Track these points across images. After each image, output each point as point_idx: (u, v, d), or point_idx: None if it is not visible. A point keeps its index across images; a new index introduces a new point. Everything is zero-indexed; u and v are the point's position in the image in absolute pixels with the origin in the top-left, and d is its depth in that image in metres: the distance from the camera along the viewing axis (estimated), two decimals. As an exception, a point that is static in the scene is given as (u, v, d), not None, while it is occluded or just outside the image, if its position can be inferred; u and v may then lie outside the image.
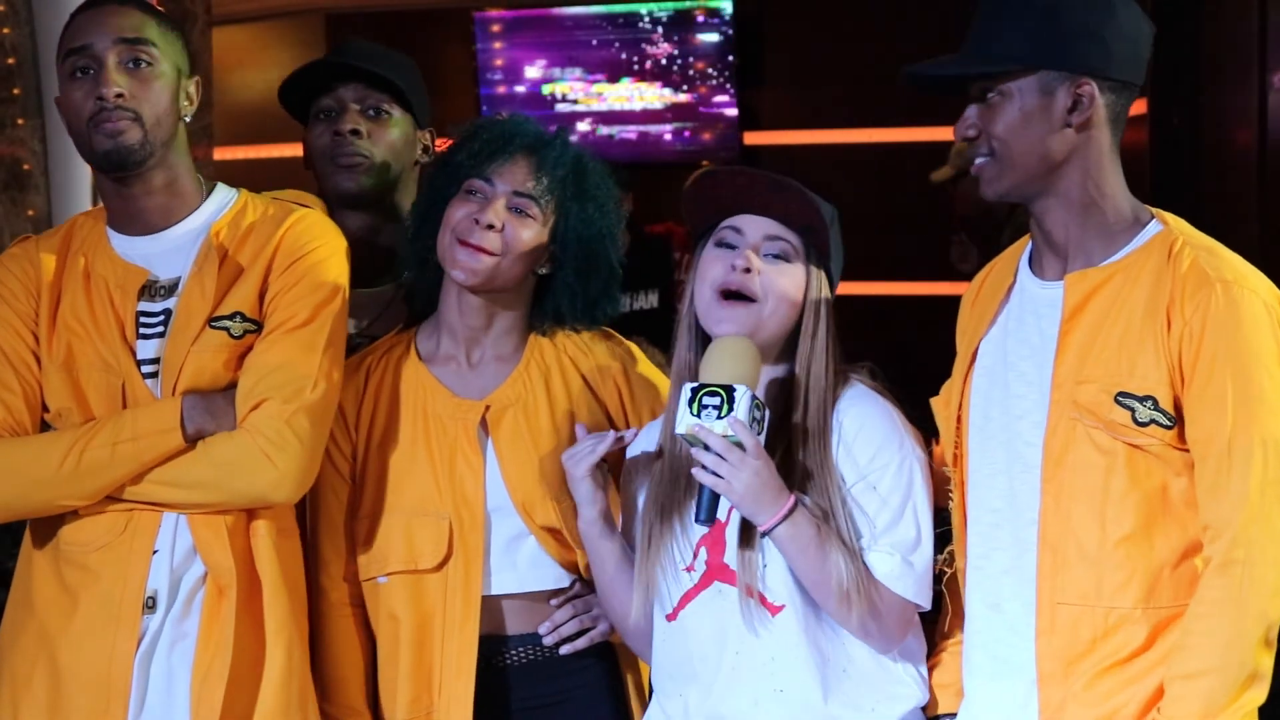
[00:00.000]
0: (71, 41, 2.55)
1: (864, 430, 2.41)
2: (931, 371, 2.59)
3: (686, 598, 2.47)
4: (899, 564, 2.38)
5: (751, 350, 2.39)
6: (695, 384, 2.36)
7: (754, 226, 2.46)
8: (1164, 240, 2.27)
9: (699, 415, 2.33)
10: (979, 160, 2.29)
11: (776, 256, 2.45)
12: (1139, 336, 2.22)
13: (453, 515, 2.60)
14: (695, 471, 2.35)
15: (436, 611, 2.60)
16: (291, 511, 2.61)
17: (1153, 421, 2.21)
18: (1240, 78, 6.27)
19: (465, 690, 2.57)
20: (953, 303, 2.54)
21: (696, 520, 2.37)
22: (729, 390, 2.33)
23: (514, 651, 2.66)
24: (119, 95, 2.51)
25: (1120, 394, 2.22)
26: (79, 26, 2.56)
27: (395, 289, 2.93)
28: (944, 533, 2.41)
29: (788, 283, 2.44)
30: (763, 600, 2.41)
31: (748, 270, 2.43)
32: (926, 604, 2.42)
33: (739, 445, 2.32)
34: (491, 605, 2.62)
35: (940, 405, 2.46)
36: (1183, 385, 2.20)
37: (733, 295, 2.44)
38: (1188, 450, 2.22)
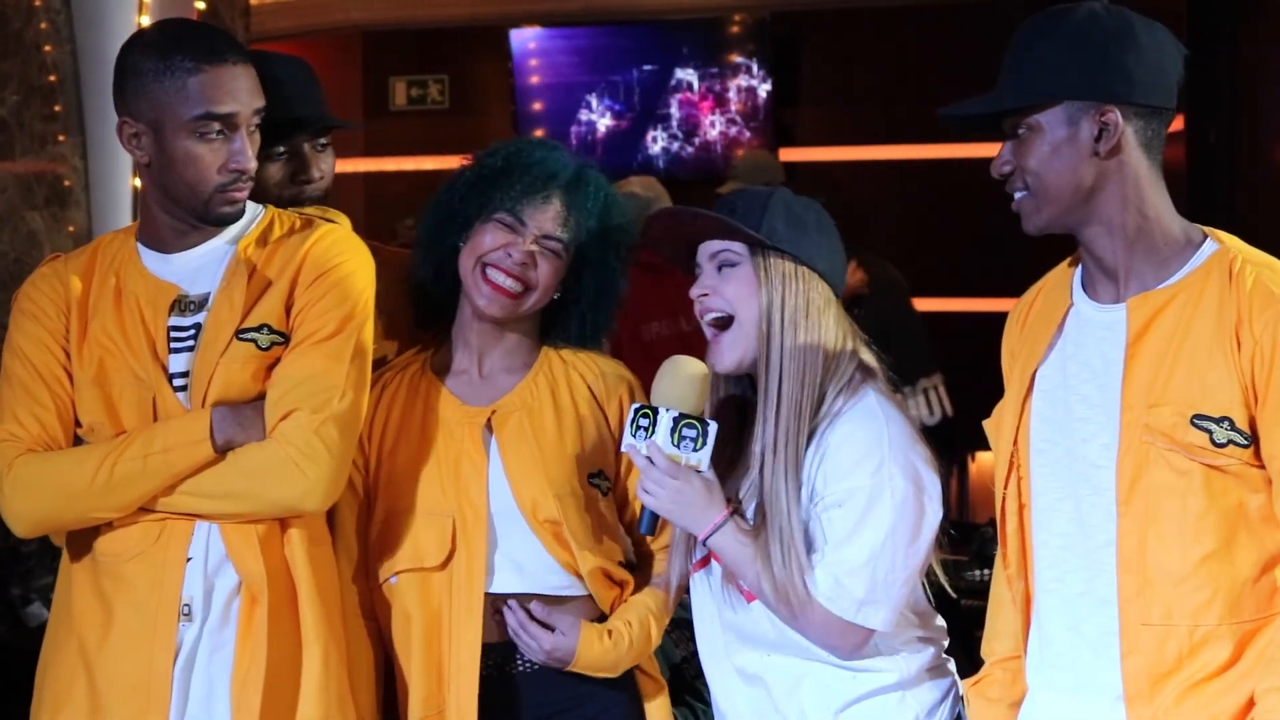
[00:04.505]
0: (213, 105, 2.52)
1: (841, 451, 2.46)
2: (964, 387, 2.59)
3: (697, 566, 2.61)
4: (832, 584, 2.44)
5: (689, 369, 2.52)
6: (636, 405, 2.54)
7: (703, 250, 2.56)
8: (1222, 259, 2.26)
9: (634, 436, 2.51)
10: (1018, 196, 2.31)
11: (721, 267, 2.54)
12: (1209, 357, 2.22)
13: (456, 514, 2.67)
14: (636, 486, 2.54)
15: (443, 609, 2.66)
16: (323, 520, 2.64)
17: (1230, 442, 2.20)
18: (1276, 93, 6.25)
19: (470, 686, 2.63)
20: (982, 318, 2.55)
21: (640, 531, 2.61)
22: (655, 412, 2.50)
23: (525, 658, 2.70)
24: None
25: (1196, 416, 2.21)
26: (221, 89, 2.53)
27: None
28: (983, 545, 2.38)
29: (735, 286, 2.52)
30: (737, 586, 2.53)
31: (704, 295, 2.54)
32: (879, 625, 2.46)
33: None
34: (499, 608, 2.68)
35: (992, 428, 2.46)
36: (1256, 403, 2.20)
37: (714, 324, 2.54)
38: (1263, 467, 2.22)
